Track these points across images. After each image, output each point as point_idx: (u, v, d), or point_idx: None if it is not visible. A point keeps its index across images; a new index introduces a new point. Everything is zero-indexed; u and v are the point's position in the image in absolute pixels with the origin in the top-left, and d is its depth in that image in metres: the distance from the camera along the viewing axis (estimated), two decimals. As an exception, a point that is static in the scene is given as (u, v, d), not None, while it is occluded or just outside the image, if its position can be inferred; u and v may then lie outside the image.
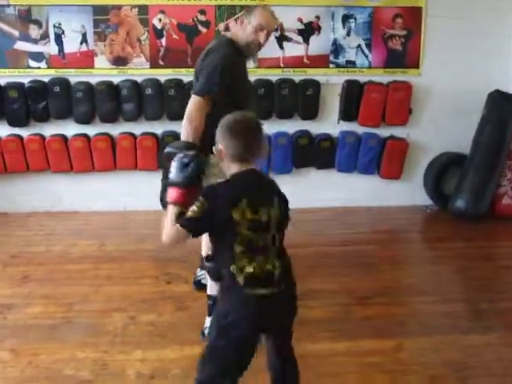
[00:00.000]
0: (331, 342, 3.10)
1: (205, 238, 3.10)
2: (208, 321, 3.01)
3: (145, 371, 2.84)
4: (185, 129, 2.96)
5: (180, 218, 2.05)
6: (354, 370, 2.85)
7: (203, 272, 3.58)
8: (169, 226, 2.06)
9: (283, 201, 2.18)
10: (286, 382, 2.32)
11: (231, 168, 2.11)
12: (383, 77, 5.32)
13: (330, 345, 3.08)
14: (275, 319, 2.15)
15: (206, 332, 2.96)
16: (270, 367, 2.32)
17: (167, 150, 2.44)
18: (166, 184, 2.26)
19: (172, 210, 2.09)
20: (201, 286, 3.58)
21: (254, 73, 5.20)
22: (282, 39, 5.22)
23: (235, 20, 3.27)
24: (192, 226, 2.03)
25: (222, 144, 2.09)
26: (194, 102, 2.97)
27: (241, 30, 3.10)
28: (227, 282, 2.04)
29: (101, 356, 2.97)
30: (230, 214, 1.99)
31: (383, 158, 5.37)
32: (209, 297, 3.10)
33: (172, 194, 2.13)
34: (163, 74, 5.17)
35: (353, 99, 5.26)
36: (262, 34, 3.08)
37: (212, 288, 3.01)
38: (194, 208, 2.01)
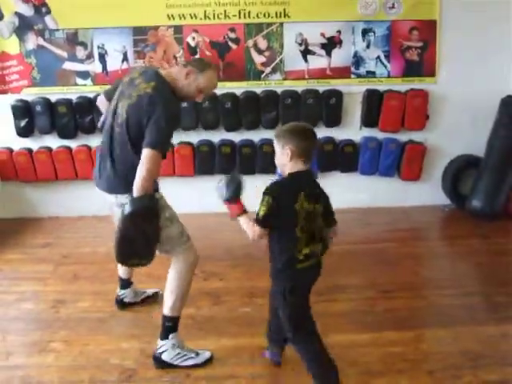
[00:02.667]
0: (356, 333, 3.10)
1: None
2: (161, 344, 2.84)
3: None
4: (143, 185, 2.56)
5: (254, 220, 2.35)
6: (378, 360, 2.85)
7: (124, 291, 3.46)
8: (249, 230, 2.37)
9: (326, 197, 2.50)
10: None
11: (293, 167, 2.39)
12: (401, 85, 5.28)
13: (354, 336, 3.08)
14: (314, 279, 2.56)
15: (158, 355, 2.83)
16: None
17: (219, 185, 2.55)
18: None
19: (243, 219, 2.41)
20: (123, 305, 3.45)
21: (281, 84, 5.23)
22: (306, 53, 5.22)
23: (180, 63, 2.94)
24: (265, 223, 2.33)
25: (290, 145, 2.36)
26: (151, 156, 2.56)
27: (185, 81, 2.74)
28: (286, 262, 2.39)
29: (144, 346, 3.02)
30: (292, 206, 2.32)
31: (403, 161, 5.32)
32: (165, 318, 2.86)
33: (233, 209, 2.46)
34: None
35: (373, 107, 5.23)
36: (201, 95, 2.83)
37: (173, 309, 2.84)
38: (262, 208, 2.33)
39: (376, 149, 5.31)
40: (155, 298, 3.53)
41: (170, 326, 2.84)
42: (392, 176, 5.41)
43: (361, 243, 4.57)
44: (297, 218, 2.34)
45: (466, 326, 3.17)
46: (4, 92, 5.29)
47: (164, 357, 2.81)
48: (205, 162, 5.25)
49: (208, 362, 2.84)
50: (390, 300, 3.52)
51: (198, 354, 2.86)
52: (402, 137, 5.35)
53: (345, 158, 5.33)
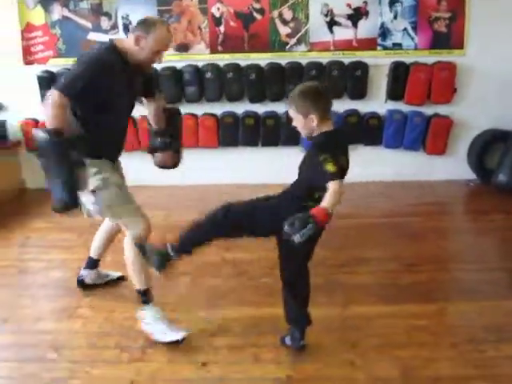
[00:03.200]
0: (378, 306, 3.10)
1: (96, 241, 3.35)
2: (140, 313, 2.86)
3: (207, 329, 2.91)
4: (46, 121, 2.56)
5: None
6: (401, 332, 2.84)
7: (86, 272, 3.39)
8: (336, 195, 2.21)
9: None
10: None
11: (322, 127, 2.37)
12: (428, 58, 5.20)
13: (377, 308, 3.07)
14: None
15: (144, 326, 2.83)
16: None
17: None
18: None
19: (328, 200, 2.21)
20: (83, 286, 3.38)
21: (306, 55, 5.19)
22: (332, 24, 5.16)
23: (130, 33, 2.72)
24: (341, 177, 2.27)
25: (311, 109, 2.33)
26: (52, 95, 2.52)
27: (137, 49, 2.66)
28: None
29: (167, 314, 3.05)
30: (344, 162, 2.37)
31: (428, 135, 5.27)
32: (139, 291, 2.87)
33: (320, 217, 2.17)
34: (222, 59, 5.20)
35: (399, 79, 5.17)
36: (159, 55, 2.72)
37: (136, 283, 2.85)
38: (332, 164, 2.22)
39: (401, 122, 5.26)
40: (119, 282, 3.46)
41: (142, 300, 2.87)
42: (417, 150, 5.37)
43: (385, 217, 4.56)
44: (345, 172, 2.38)
45: (489, 300, 3.15)
46: (30, 63, 5.33)
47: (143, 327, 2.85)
48: (228, 133, 5.27)
49: (177, 342, 2.76)
50: (414, 273, 3.51)
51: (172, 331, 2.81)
52: (428, 110, 5.29)
53: (369, 131, 5.29)
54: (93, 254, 3.41)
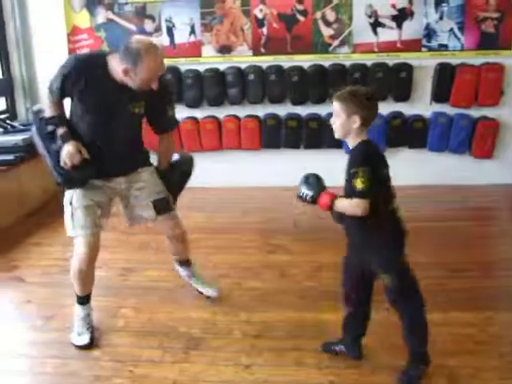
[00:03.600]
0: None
1: None
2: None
3: (249, 331, 2.91)
4: None
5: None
6: (447, 339, 2.77)
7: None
8: (355, 208, 2.24)
9: None
10: None
11: (360, 135, 2.32)
12: (475, 59, 5.06)
13: (423, 315, 3.01)
14: None
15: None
16: None
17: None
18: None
19: (340, 203, 2.29)
20: None
21: (349, 57, 5.13)
22: (376, 25, 5.09)
23: (119, 60, 2.57)
24: (370, 195, 2.22)
25: (358, 111, 2.26)
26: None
27: (125, 78, 2.56)
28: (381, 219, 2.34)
29: (210, 316, 3.07)
30: (383, 172, 2.31)
31: (475, 138, 5.13)
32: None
33: (323, 200, 2.32)
34: (264, 61, 5.19)
35: (445, 81, 5.06)
36: (152, 82, 2.59)
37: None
38: (362, 180, 2.21)
39: (446, 125, 5.15)
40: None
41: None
42: (463, 153, 5.25)
43: (429, 221, 4.45)
44: (386, 182, 2.36)
45: (538, 309, 3.06)
46: (76, 65, 5.42)
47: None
48: (271, 135, 5.25)
49: (79, 348, 2.83)
50: (460, 279, 3.43)
51: (79, 335, 2.88)
52: (475, 113, 5.16)
53: (414, 134, 5.20)
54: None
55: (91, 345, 2.83)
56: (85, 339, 2.84)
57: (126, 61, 2.51)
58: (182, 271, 3.33)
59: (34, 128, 2.87)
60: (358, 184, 2.21)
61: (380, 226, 2.36)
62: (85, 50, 5.37)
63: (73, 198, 2.82)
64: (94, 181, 2.83)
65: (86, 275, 2.87)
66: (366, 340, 2.69)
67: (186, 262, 3.30)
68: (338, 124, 2.34)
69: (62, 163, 2.70)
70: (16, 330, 3.07)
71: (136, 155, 2.96)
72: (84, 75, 2.63)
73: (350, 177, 2.25)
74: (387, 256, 2.43)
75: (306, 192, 2.37)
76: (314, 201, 2.35)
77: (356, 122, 2.28)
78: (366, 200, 2.22)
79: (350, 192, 2.27)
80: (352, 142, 2.35)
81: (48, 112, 2.77)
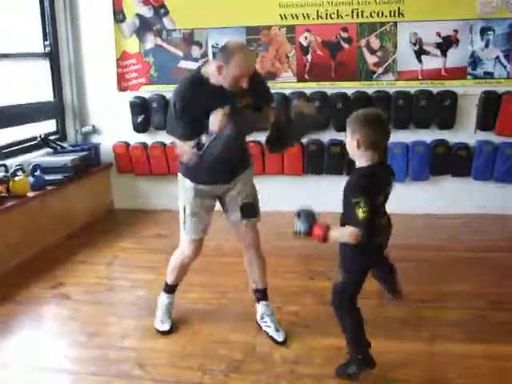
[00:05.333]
0: (466, 344, 2.96)
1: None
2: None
3: (289, 356, 2.90)
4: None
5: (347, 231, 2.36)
6: (489, 373, 2.71)
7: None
8: (349, 237, 2.34)
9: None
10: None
11: (364, 157, 2.37)
12: (522, 87, 5.02)
13: (464, 347, 2.94)
14: None
15: None
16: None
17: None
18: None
19: (335, 233, 2.39)
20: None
21: (393, 85, 5.14)
22: (420, 53, 5.09)
23: (213, 60, 2.89)
24: (368, 227, 2.30)
25: (359, 135, 2.32)
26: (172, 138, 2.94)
27: (219, 76, 2.70)
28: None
29: (250, 340, 3.09)
30: (378, 201, 2.38)
31: (520, 167, 5.06)
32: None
33: (316, 232, 2.41)
34: (309, 87, 5.24)
35: (490, 109, 5.01)
36: (243, 80, 2.69)
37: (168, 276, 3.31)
38: (362, 211, 2.27)
39: (491, 153, 5.08)
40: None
41: (164, 286, 3.35)
42: (508, 182, 5.16)
43: (471, 251, 4.38)
44: (380, 209, 2.43)
45: None
46: (124, 89, 5.58)
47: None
48: (314, 161, 5.28)
49: (163, 333, 3.20)
50: (502, 312, 3.34)
51: (162, 322, 3.28)
52: (521, 141, 5.09)
53: (457, 162, 5.14)
54: (251, 284, 3.33)
55: (171, 332, 3.20)
56: (166, 326, 3.23)
57: (219, 58, 2.71)
58: (259, 310, 3.24)
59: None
60: (360, 214, 2.28)
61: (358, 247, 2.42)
62: (133, 75, 5.53)
63: (186, 206, 3.04)
64: (204, 187, 2.99)
65: (184, 269, 3.27)
66: (406, 370, 2.67)
67: (264, 293, 3.24)
68: (347, 146, 2.45)
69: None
70: (60, 346, 3.15)
71: (244, 157, 3.10)
72: (197, 103, 2.74)
73: (352, 207, 2.30)
74: (349, 256, 2.52)
75: (299, 227, 2.45)
76: (307, 234, 2.43)
77: (356, 143, 2.34)
78: (363, 230, 2.30)
79: (349, 215, 2.35)
80: (357, 164, 2.42)
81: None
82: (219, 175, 2.96)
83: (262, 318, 3.20)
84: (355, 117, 2.40)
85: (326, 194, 5.27)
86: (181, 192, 3.09)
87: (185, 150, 2.80)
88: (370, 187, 2.33)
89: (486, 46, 5.03)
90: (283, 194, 5.25)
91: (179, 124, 2.77)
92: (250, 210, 3.09)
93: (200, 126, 2.71)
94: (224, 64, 2.66)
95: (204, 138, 2.71)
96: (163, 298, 3.33)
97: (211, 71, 2.76)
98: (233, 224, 3.15)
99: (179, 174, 3.08)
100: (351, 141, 2.37)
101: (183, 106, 2.74)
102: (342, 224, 2.46)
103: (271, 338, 3.09)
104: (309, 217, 2.45)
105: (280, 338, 3.07)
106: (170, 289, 3.32)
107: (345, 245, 2.47)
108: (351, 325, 2.59)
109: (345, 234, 2.36)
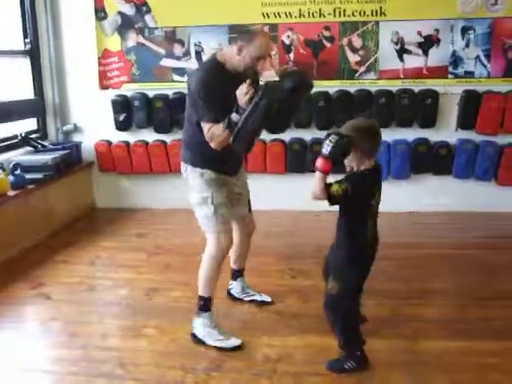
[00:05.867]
0: (447, 341, 2.99)
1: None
2: (194, 320, 3.06)
3: (271, 355, 2.90)
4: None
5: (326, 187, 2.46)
6: (471, 369, 2.73)
7: (232, 282, 3.56)
8: (317, 189, 2.47)
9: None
10: None
11: (363, 162, 2.53)
12: (502, 86, 5.06)
13: (445, 343, 2.96)
14: None
15: (193, 330, 3.04)
16: None
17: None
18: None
19: (320, 176, 2.45)
20: (231, 296, 3.56)
21: (375, 84, 5.17)
22: (402, 52, 5.13)
23: (232, 44, 2.94)
24: (333, 202, 2.50)
25: (359, 146, 2.46)
26: (206, 129, 2.83)
27: (238, 57, 2.84)
28: (359, 241, 2.61)
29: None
30: (370, 201, 2.57)
31: (501, 165, 5.11)
32: (198, 297, 3.07)
33: (323, 163, 2.43)
34: (291, 86, 5.23)
35: (471, 108, 5.06)
36: (260, 63, 2.88)
37: (201, 289, 3.04)
38: (337, 187, 2.45)
39: (472, 152, 5.13)
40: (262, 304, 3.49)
41: (200, 305, 3.05)
42: (488, 180, 5.21)
43: (454, 248, 4.42)
44: (371, 209, 2.60)
45: None
46: (105, 87, 5.55)
47: (196, 332, 3.03)
48: (296, 159, 5.29)
49: (235, 349, 2.94)
50: (483, 308, 3.38)
51: (228, 339, 2.98)
52: (501, 140, 5.14)
53: (439, 161, 5.19)
54: (231, 263, 3.51)
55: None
56: (234, 341, 2.99)
57: (241, 39, 2.84)
58: (237, 285, 3.52)
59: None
60: (335, 188, 2.45)
61: (350, 233, 2.63)
62: (115, 73, 5.50)
63: (213, 197, 2.98)
64: (224, 177, 3.05)
65: (219, 270, 3.06)
66: (387, 369, 2.69)
67: (242, 272, 3.53)
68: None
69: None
70: (40, 347, 3.11)
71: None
72: (218, 86, 2.81)
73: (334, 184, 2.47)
74: (342, 267, 2.65)
75: (330, 147, 2.39)
76: (325, 156, 2.42)
77: (357, 153, 2.48)
78: (323, 198, 2.48)
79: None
80: (355, 168, 2.56)
81: (223, 144, 2.82)
82: (232, 166, 3.11)
83: (244, 290, 3.50)
84: (356, 130, 2.50)
85: (308, 192, 5.30)
86: (198, 186, 3.02)
87: (222, 134, 2.79)
88: (358, 188, 2.50)
89: (467, 45, 5.08)
90: (265, 192, 5.24)
91: (209, 109, 2.80)
92: (250, 203, 3.35)
93: (226, 107, 2.76)
94: (245, 44, 2.80)
95: (235, 116, 2.74)
96: (206, 320, 3.04)
97: (227, 57, 2.89)
98: (237, 217, 3.25)
99: (194, 169, 3.01)
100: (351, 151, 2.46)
101: (209, 91, 2.80)
102: (339, 226, 2.67)
103: (262, 302, 3.44)
104: (341, 152, 2.43)
105: (269, 298, 3.46)
106: (209, 304, 3.06)
107: (338, 256, 2.67)
108: (349, 321, 2.69)
109: (319, 186, 2.46)
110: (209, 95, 2.79)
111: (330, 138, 2.40)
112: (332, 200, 2.48)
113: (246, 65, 2.84)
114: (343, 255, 2.65)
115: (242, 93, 2.70)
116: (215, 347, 2.95)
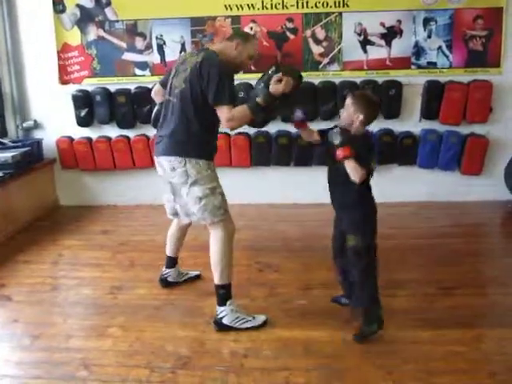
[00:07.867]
0: (416, 330, 3.01)
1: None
2: (220, 310, 3.09)
3: (238, 350, 2.88)
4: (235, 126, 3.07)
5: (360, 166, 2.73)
6: (438, 358, 2.76)
7: (168, 270, 3.67)
8: (359, 171, 2.72)
9: None
10: None
11: (360, 128, 2.84)
12: (464, 76, 5.11)
13: (414, 332, 2.99)
14: None
15: (219, 320, 3.08)
16: None
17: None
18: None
19: (352, 161, 2.71)
20: (166, 283, 3.65)
21: (339, 75, 5.16)
22: (365, 43, 5.13)
23: (229, 40, 3.22)
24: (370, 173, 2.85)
25: (364, 112, 2.79)
26: (225, 112, 2.95)
27: (235, 52, 3.13)
28: (368, 199, 3.00)
29: (198, 335, 3.05)
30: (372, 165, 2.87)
31: (464, 155, 5.16)
32: (218, 286, 3.11)
33: (344, 151, 2.71)
34: (255, 78, 5.17)
35: (434, 98, 5.10)
36: (250, 61, 3.32)
37: (222, 278, 3.09)
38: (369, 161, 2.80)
39: (436, 142, 5.18)
40: (196, 279, 3.74)
41: (224, 293, 3.09)
42: (452, 170, 5.27)
43: (420, 238, 4.46)
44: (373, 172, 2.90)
45: (530, 326, 3.05)
46: (66, 82, 5.42)
47: (225, 321, 3.06)
48: (261, 153, 5.26)
49: (264, 324, 3.08)
50: (451, 297, 3.42)
51: (254, 318, 3.09)
52: (464, 129, 5.19)
53: (403, 151, 5.22)
54: (169, 253, 3.65)
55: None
56: (260, 318, 3.11)
57: (239, 38, 3.19)
58: (174, 272, 3.67)
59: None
60: (371, 163, 2.81)
61: (361, 195, 2.91)
62: (75, 67, 5.38)
63: (217, 187, 3.10)
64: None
65: (232, 255, 3.17)
66: (356, 359, 2.68)
67: (177, 261, 3.70)
68: (345, 114, 2.86)
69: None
70: (1, 350, 3.02)
71: None
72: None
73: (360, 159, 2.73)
74: (359, 224, 2.94)
75: (339, 136, 2.73)
76: (339, 145, 2.72)
77: (359, 117, 2.79)
78: (365, 173, 2.75)
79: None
80: (353, 131, 2.84)
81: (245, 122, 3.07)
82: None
83: (181, 273, 3.71)
84: (363, 97, 2.89)
85: (273, 186, 5.29)
86: (205, 178, 3.05)
87: (245, 111, 2.98)
88: (370, 148, 2.97)
89: (429, 36, 5.11)
90: (230, 186, 5.19)
91: (231, 90, 2.99)
92: None
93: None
94: (243, 43, 3.14)
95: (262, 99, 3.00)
96: (232, 307, 3.10)
97: (226, 51, 3.12)
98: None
99: (199, 161, 3.04)
100: (354, 114, 2.80)
101: (230, 74, 3.04)
102: (346, 193, 2.93)
103: (196, 277, 3.73)
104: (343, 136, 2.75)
105: (198, 271, 3.74)
106: (230, 290, 3.13)
107: (354, 216, 2.94)
108: (371, 272, 2.94)
109: (357, 168, 2.71)
110: (230, 78, 3.02)
111: (334, 131, 2.78)
112: (372, 173, 2.85)
113: (241, 61, 3.17)
114: (360, 213, 2.94)
115: (276, 80, 2.99)
116: (247, 328, 3.05)
